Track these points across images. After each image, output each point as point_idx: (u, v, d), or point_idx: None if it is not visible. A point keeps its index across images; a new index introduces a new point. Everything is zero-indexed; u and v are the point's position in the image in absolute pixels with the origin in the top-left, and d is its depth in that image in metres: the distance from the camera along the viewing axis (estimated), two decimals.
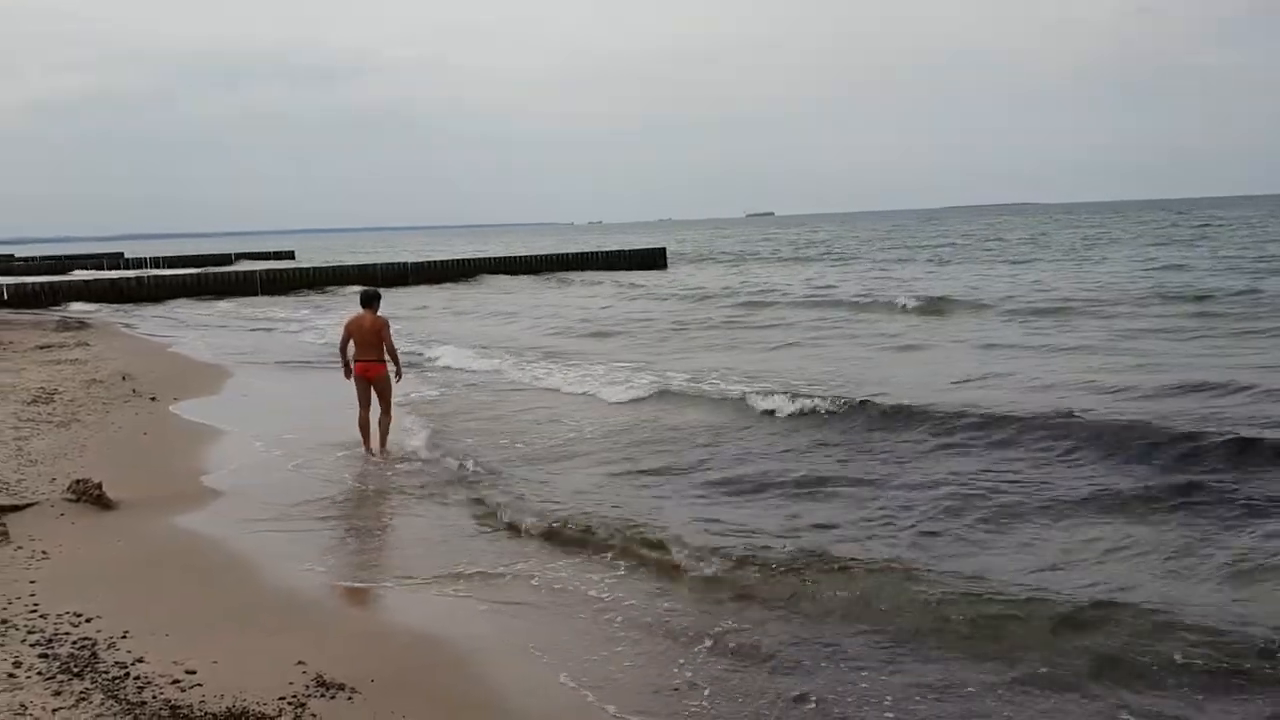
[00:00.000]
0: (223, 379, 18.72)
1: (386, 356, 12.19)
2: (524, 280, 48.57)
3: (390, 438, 12.25)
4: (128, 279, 47.34)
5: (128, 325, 31.05)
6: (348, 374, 12.35)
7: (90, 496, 9.48)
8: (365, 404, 12.20)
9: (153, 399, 15.76)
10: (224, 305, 39.44)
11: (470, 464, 11.24)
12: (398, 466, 11.48)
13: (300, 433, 13.25)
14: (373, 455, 11.93)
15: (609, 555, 8.19)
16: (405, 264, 53.29)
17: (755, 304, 31.01)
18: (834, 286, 36.29)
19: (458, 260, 55.38)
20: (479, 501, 9.85)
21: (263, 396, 16.70)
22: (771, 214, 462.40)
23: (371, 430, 12.16)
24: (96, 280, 47.19)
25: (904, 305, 27.45)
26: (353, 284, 47.62)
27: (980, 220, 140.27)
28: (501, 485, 10.36)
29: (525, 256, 58.25)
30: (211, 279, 47.93)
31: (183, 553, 8.36)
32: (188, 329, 29.75)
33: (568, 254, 58.61)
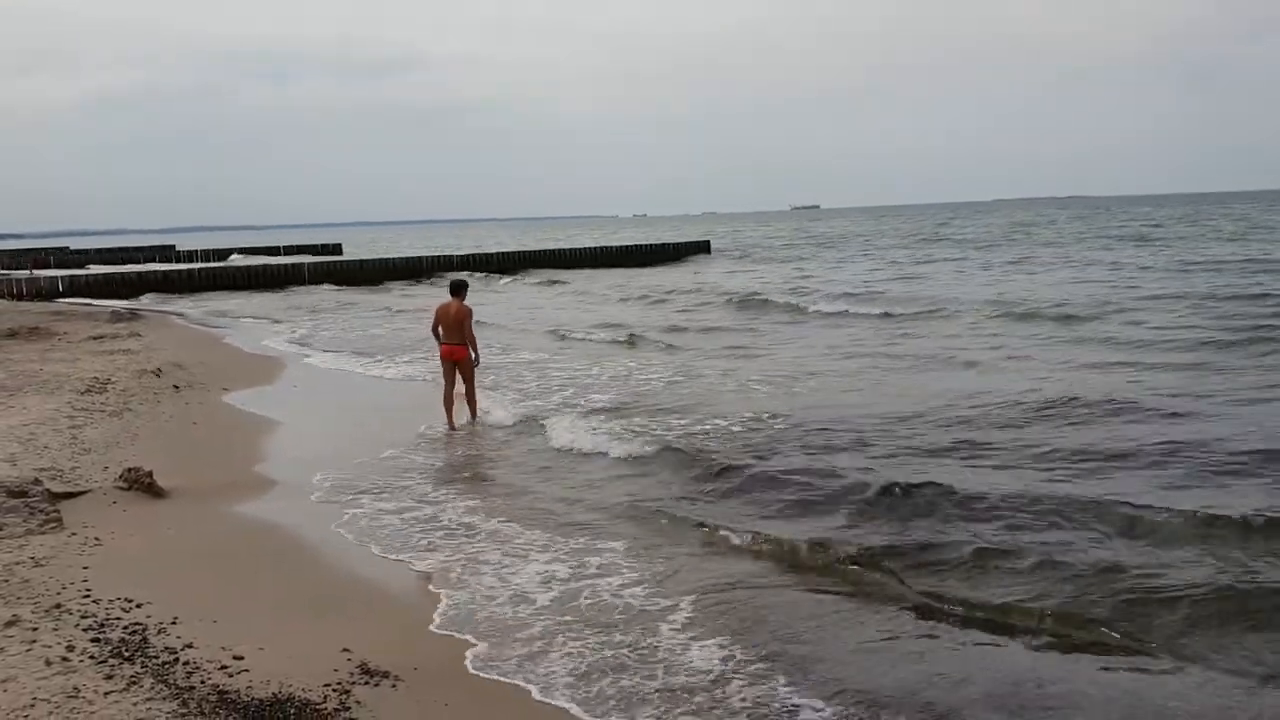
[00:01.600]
0: (275, 369, 18.95)
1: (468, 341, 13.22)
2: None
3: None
4: (181, 272, 48.19)
5: (179, 315, 31.54)
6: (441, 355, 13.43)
7: (141, 485, 9.63)
8: (450, 382, 13.29)
9: (204, 388, 16.01)
10: (272, 297, 39.95)
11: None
12: (447, 453, 11.59)
13: (350, 423, 13.44)
14: (455, 429, 12.95)
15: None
16: (452, 256, 53.92)
17: None
18: None
19: (501, 254, 55.88)
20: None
21: (314, 387, 16.88)
22: (817, 207, 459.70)
23: (456, 406, 13.23)
24: (173, 271, 48.29)
25: None
26: (399, 277, 48.39)
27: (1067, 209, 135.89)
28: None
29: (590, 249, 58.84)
30: (261, 271, 48.64)
31: (232, 540, 8.47)
32: (239, 319, 30.16)
33: (641, 245, 59.33)
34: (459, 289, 13.55)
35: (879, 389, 14.72)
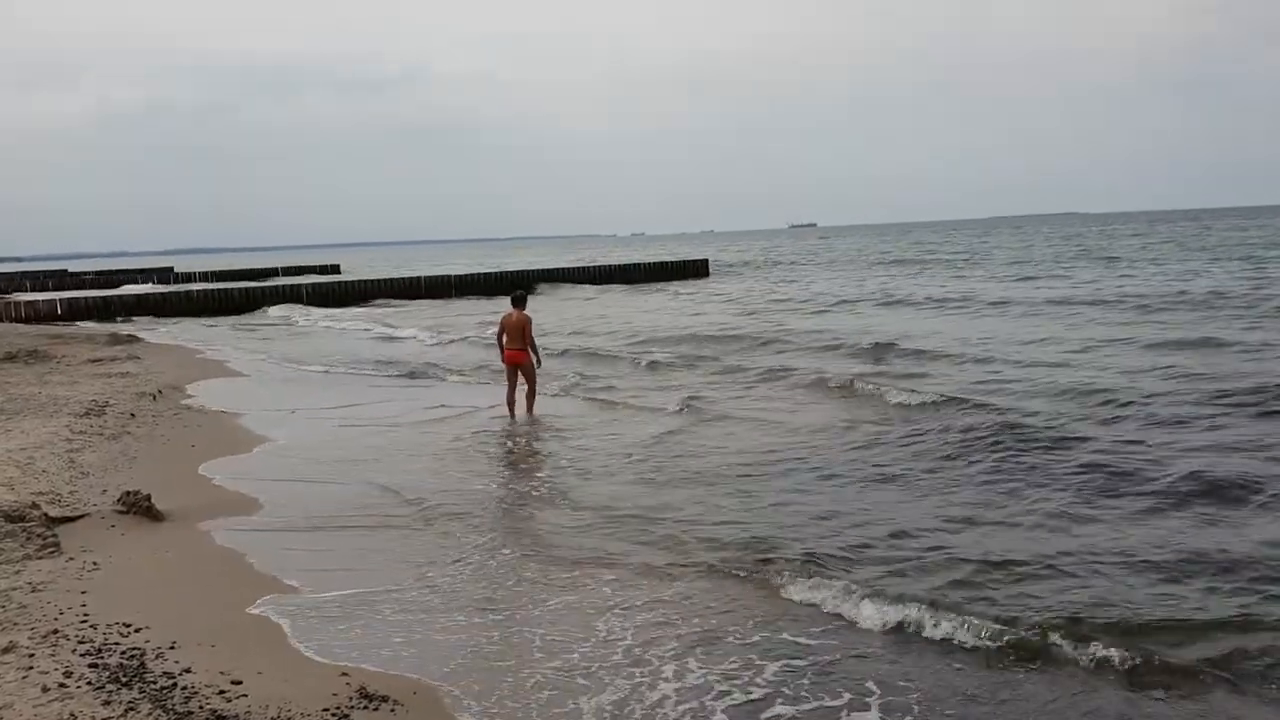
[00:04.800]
0: (272, 391, 18.96)
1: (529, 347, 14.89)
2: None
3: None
4: (176, 293, 48.30)
5: (177, 338, 31.55)
6: (503, 360, 15.15)
7: (140, 508, 9.61)
8: (513, 385, 15.06)
9: (202, 410, 16.01)
10: (274, 315, 40.06)
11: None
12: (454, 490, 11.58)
13: (342, 446, 13.41)
14: (515, 421, 14.71)
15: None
16: (449, 277, 54.03)
17: None
18: None
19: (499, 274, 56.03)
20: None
21: (311, 409, 16.85)
22: (814, 225, 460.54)
23: (518, 404, 15.04)
24: (147, 295, 48.18)
25: None
26: (400, 296, 48.67)
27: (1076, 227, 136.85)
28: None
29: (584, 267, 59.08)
30: (258, 292, 48.78)
31: (231, 563, 8.44)
32: (239, 342, 30.17)
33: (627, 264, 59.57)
34: (520, 300, 15.17)
35: None
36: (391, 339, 29.65)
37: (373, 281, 52.12)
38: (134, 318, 41.48)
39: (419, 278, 53.51)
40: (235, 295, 47.36)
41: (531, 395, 15.16)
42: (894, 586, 7.40)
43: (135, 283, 73.71)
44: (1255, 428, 12.05)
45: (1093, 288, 35.07)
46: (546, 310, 34.05)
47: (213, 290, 50.16)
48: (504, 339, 15.05)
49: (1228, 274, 38.64)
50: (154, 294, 48.28)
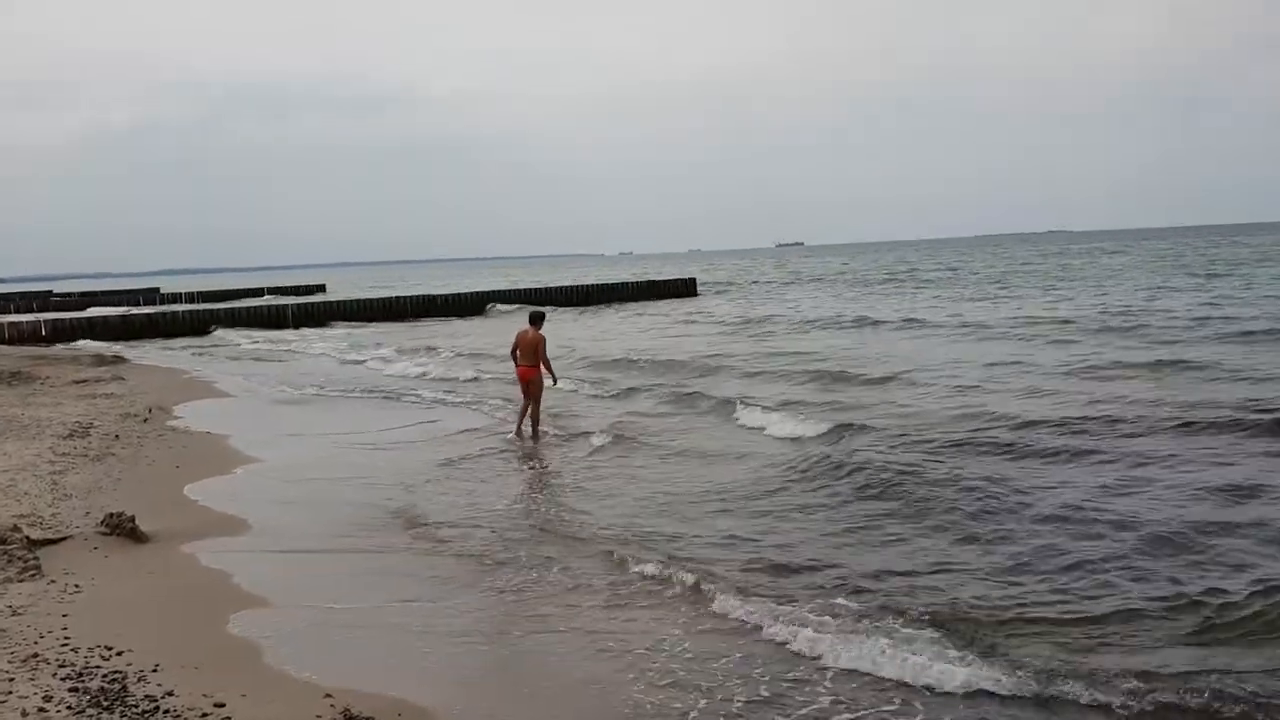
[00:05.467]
0: (259, 412, 18.89)
1: (542, 365, 15.08)
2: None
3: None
4: (165, 314, 48.12)
5: (162, 359, 31.40)
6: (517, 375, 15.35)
7: (124, 530, 9.52)
8: (527, 398, 15.24)
9: (188, 431, 15.92)
10: (259, 338, 39.89)
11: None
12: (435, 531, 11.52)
13: (331, 466, 13.36)
14: (524, 436, 14.97)
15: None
16: (434, 296, 54.03)
17: None
18: None
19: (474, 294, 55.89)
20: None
21: (296, 429, 16.77)
22: (801, 244, 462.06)
23: (525, 421, 15.20)
24: (156, 314, 48.19)
25: None
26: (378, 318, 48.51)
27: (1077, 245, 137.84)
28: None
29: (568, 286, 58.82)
30: (243, 312, 48.74)
31: (215, 585, 8.37)
32: (224, 362, 30.05)
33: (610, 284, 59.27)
34: (537, 319, 15.40)
35: None
36: (360, 361, 28.96)
37: (343, 302, 51.72)
38: (82, 341, 40.56)
39: (389, 298, 52.96)
40: (181, 318, 46.53)
41: (537, 413, 15.27)
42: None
43: (119, 304, 73.40)
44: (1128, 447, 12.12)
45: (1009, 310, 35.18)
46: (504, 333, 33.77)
47: (163, 313, 49.25)
48: (518, 355, 15.31)
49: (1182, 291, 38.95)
50: (140, 315, 48.01)
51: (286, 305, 53.14)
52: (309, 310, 49.77)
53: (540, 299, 50.84)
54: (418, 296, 54.08)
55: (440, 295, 54.51)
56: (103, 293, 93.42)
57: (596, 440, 14.49)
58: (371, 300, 52.09)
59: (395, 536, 9.89)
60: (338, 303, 51.55)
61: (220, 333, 43.38)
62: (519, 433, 15.16)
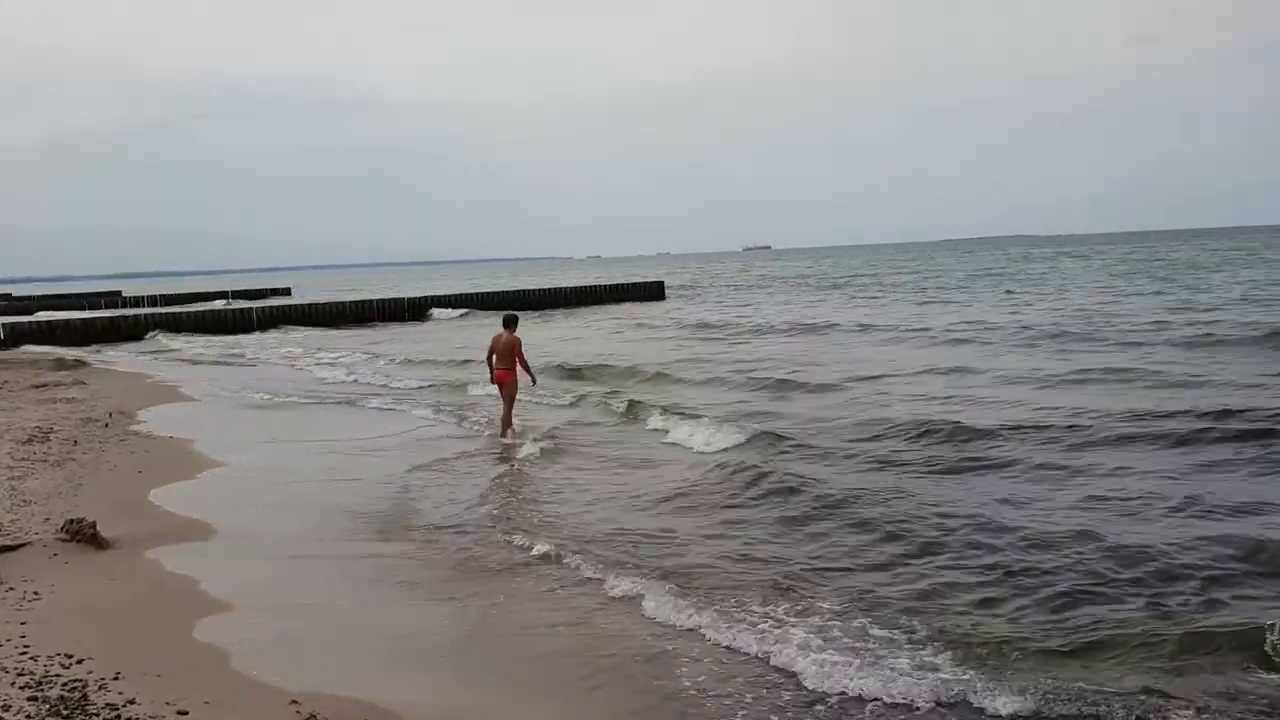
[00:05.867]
0: (220, 416, 18.68)
1: (519, 366, 15.28)
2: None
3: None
4: (128, 318, 47.46)
5: (124, 363, 31.02)
6: (492, 379, 15.55)
7: (84, 536, 9.37)
8: (505, 399, 15.41)
9: (150, 436, 15.71)
10: (219, 342, 39.43)
11: None
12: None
13: (291, 471, 13.24)
14: (505, 437, 15.11)
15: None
16: (404, 299, 53.83)
17: None
18: None
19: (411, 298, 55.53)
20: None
21: (257, 434, 16.60)
22: (769, 248, 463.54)
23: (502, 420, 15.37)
24: (119, 317, 47.30)
25: None
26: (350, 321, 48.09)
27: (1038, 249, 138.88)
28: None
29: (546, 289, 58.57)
30: (209, 316, 48.20)
31: (180, 591, 8.25)
32: (186, 366, 29.73)
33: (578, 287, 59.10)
34: (510, 322, 15.66)
35: None
36: (320, 365, 28.60)
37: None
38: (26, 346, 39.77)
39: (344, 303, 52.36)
40: (122, 323, 45.21)
41: (508, 413, 15.42)
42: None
43: (81, 308, 72.44)
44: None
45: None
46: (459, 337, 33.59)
47: (93, 319, 47.83)
48: (494, 359, 15.47)
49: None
50: (103, 318, 47.36)
51: (227, 311, 52.58)
52: (244, 316, 48.98)
53: (508, 303, 50.54)
54: (357, 302, 52.88)
55: (377, 300, 53.58)
56: (59, 296, 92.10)
57: (527, 450, 14.18)
58: (320, 305, 51.68)
59: (362, 540, 9.82)
60: (280, 308, 50.79)
61: (161, 338, 42.23)
62: (503, 433, 15.32)
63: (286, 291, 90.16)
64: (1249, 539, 8.45)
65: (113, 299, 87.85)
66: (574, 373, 23.65)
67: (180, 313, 50.23)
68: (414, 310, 51.71)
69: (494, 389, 15.92)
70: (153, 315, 48.53)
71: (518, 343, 15.44)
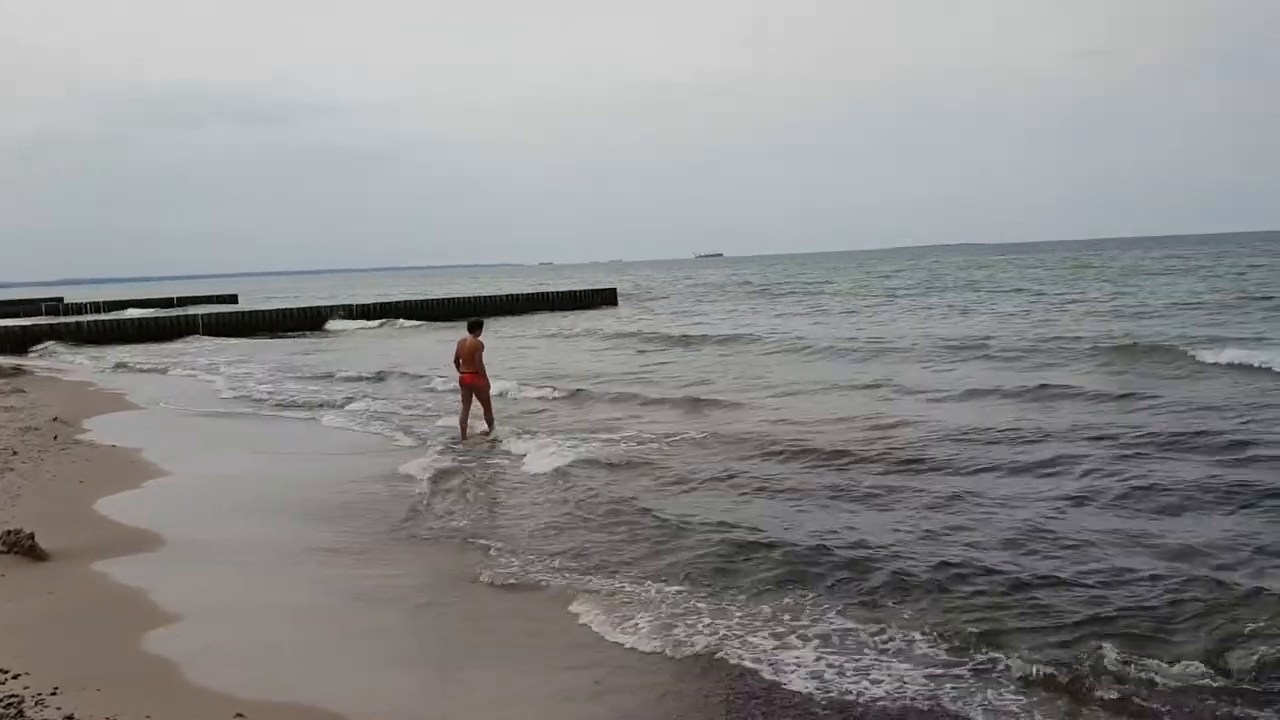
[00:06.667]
0: (164, 425, 18.35)
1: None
2: None
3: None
4: (70, 324, 46.45)
5: (64, 371, 30.39)
6: (460, 382, 15.74)
7: (22, 548, 9.10)
8: (466, 404, 15.65)
9: (91, 445, 15.37)
10: (168, 349, 38.68)
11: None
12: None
13: (235, 478, 13.05)
14: (465, 441, 15.19)
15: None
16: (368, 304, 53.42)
17: None
18: None
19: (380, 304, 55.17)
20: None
21: (201, 443, 16.32)
22: (720, 255, 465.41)
23: (470, 424, 15.58)
24: (59, 324, 46.05)
25: None
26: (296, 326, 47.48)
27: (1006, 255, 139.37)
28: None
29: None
30: (156, 323, 47.37)
31: (126, 602, 8.04)
32: (130, 374, 29.16)
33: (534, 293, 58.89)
34: (475, 326, 16.05)
35: None
36: (238, 377, 27.09)
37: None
38: (29, 352, 39.00)
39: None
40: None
41: (489, 414, 15.77)
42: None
43: (22, 315, 70.94)
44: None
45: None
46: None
47: None
48: (460, 363, 15.78)
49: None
50: (43, 325, 46.34)
51: (127, 320, 51.39)
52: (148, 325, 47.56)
53: (468, 309, 49.87)
54: (255, 311, 51.77)
55: (276, 310, 52.50)
56: (3, 302, 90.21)
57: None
58: (226, 314, 50.73)
59: (313, 546, 9.67)
60: (188, 317, 48.93)
61: (58, 349, 40.02)
62: (464, 435, 15.42)
63: (233, 299, 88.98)
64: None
65: (54, 305, 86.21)
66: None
67: (80, 322, 47.29)
68: (313, 320, 50.23)
69: (450, 390, 16.05)
70: (54, 325, 45.73)
71: (481, 347, 15.77)
